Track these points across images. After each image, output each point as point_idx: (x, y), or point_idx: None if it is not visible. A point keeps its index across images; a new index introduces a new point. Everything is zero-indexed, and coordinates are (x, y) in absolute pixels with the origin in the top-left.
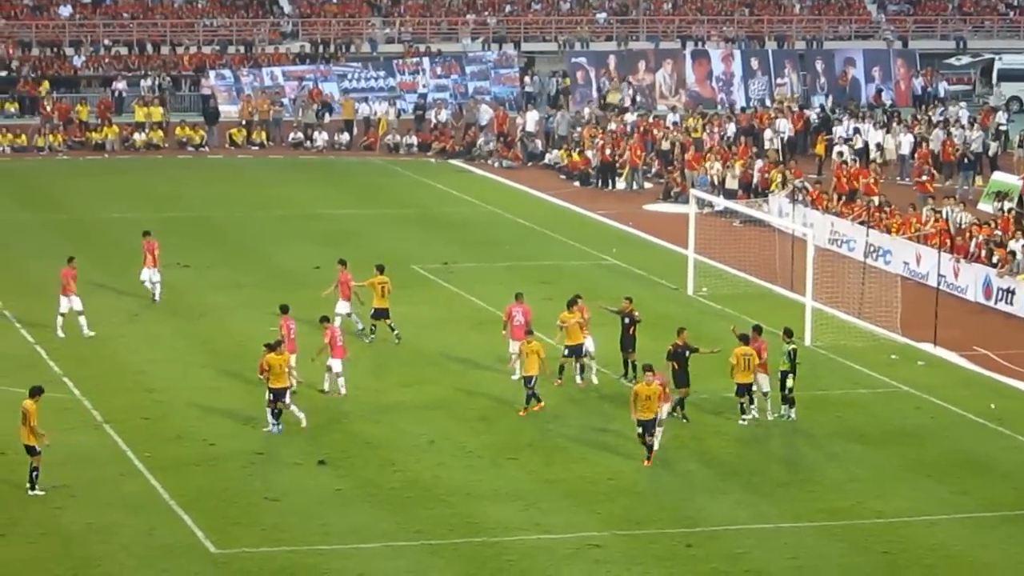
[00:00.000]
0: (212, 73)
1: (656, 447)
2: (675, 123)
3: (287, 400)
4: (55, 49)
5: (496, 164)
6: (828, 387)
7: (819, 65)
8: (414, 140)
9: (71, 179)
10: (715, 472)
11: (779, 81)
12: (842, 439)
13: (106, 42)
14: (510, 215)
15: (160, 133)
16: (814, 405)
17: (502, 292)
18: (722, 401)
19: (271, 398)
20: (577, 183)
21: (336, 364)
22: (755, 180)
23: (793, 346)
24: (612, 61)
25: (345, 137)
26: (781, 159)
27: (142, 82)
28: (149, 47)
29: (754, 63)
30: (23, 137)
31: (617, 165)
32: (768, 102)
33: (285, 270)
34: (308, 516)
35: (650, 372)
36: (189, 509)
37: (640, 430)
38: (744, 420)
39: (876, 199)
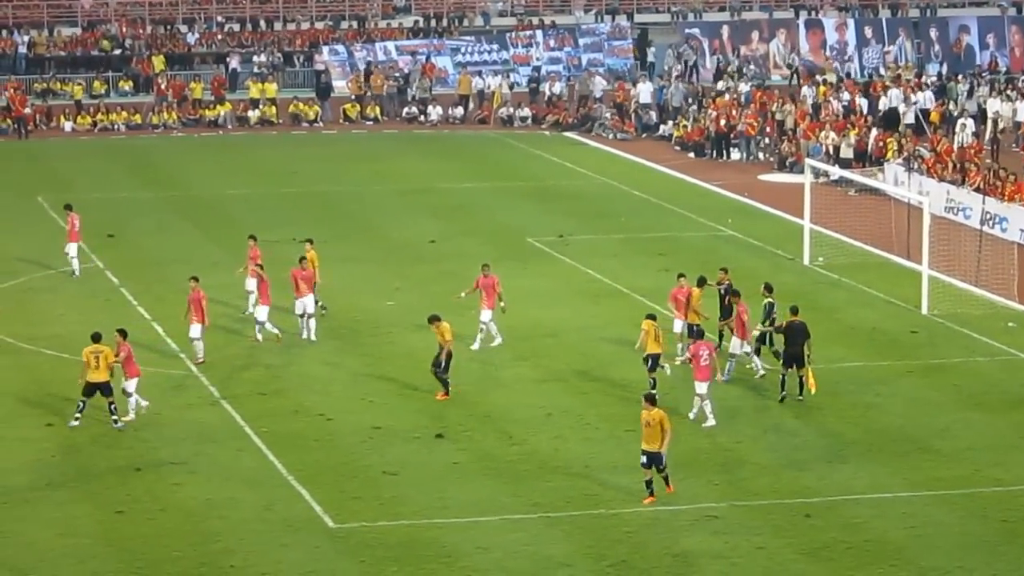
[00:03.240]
0: (325, 48)
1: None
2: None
3: (130, 391)
4: (169, 26)
5: (610, 136)
6: (945, 356)
7: (933, 33)
8: (528, 113)
9: (186, 156)
10: (832, 442)
11: (886, 49)
12: (960, 407)
13: (219, 19)
14: (625, 187)
15: (274, 109)
16: (931, 374)
17: (618, 264)
18: (837, 371)
19: (86, 391)
20: (692, 154)
21: (261, 312)
22: (870, 149)
23: (770, 300)
24: (725, 31)
25: (459, 111)
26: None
27: (255, 58)
28: (262, 23)
29: (868, 31)
30: (138, 115)
31: (731, 136)
32: (882, 71)
33: (401, 244)
34: (426, 490)
35: (649, 401)
36: (307, 484)
37: (644, 460)
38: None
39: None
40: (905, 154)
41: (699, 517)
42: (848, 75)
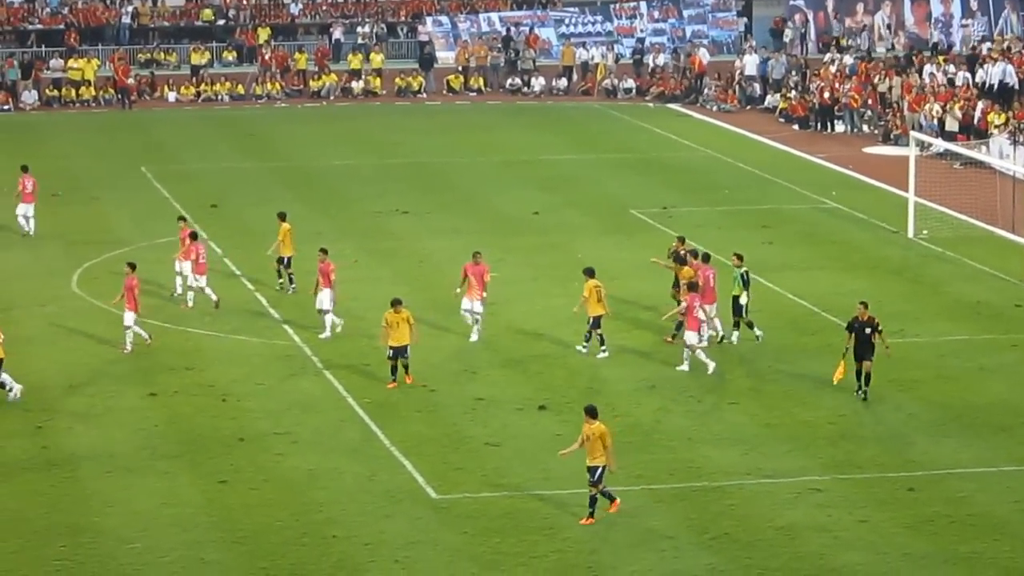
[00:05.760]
0: (429, 19)
1: (597, 501)
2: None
3: None
4: None
5: (714, 108)
6: None
7: None
8: (632, 84)
9: (289, 127)
10: (936, 415)
11: (963, 22)
12: None
13: None
14: (729, 159)
15: (378, 80)
16: None
17: (721, 237)
18: (941, 344)
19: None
20: (796, 126)
21: (202, 280)
22: (976, 121)
23: (744, 269)
24: (830, 3)
25: (563, 82)
26: None
27: (359, 29)
28: None
29: (973, 3)
30: (241, 86)
31: (836, 108)
32: (988, 43)
33: (504, 216)
34: (529, 461)
35: (590, 414)
36: (410, 455)
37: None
38: (582, 349)
39: None
40: (1011, 127)
41: (802, 490)
42: (951, 47)
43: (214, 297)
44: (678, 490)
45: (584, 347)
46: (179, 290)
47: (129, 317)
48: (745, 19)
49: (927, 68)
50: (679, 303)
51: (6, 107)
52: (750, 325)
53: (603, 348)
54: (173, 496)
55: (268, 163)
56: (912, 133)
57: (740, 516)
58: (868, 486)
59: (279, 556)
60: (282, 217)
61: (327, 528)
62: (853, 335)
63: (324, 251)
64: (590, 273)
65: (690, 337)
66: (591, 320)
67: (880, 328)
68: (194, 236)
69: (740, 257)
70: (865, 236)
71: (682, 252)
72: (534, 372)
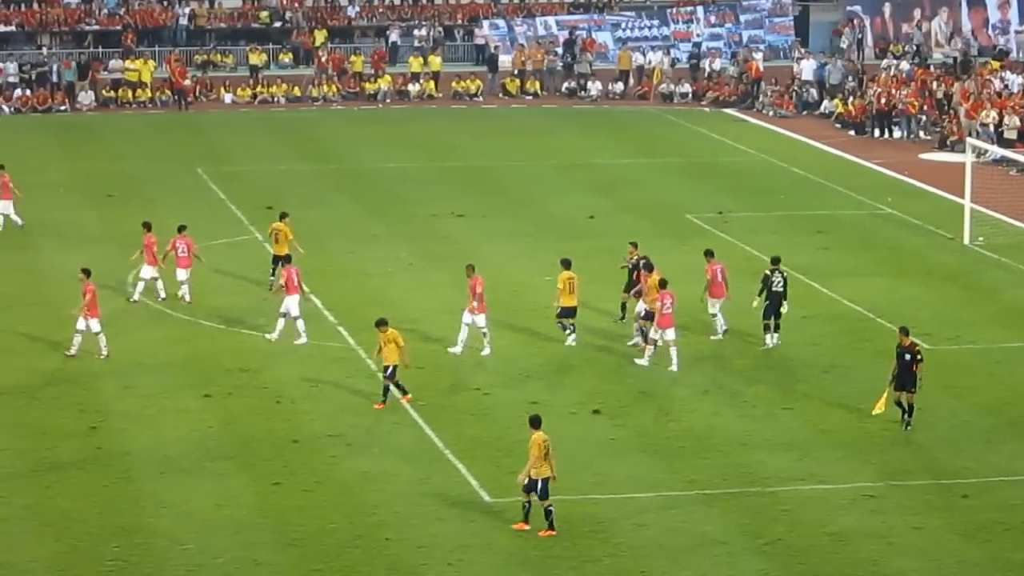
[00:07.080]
0: (486, 23)
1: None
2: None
3: None
4: None
5: (770, 113)
6: None
7: None
8: (688, 89)
9: (345, 129)
10: (991, 422)
11: (1019, 27)
12: None
13: None
14: (784, 164)
15: (432, 83)
16: None
17: (777, 242)
18: (996, 351)
19: None
20: (852, 132)
21: (182, 273)
22: None
23: (766, 272)
24: (887, 9)
25: (619, 86)
26: None
27: (416, 32)
28: None
29: None
30: (297, 88)
31: (892, 114)
32: None
33: (559, 219)
34: (582, 465)
35: (531, 424)
36: (463, 458)
37: (525, 483)
38: (571, 342)
39: None
40: None
41: (856, 496)
42: (1008, 53)
43: (188, 299)
44: (731, 495)
45: (573, 338)
46: (136, 296)
47: (92, 323)
48: (793, 23)
49: (1010, 76)
50: (623, 306)
51: (63, 107)
52: (766, 328)
53: (570, 334)
54: (227, 497)
55: (324, 165)
56: (968, 139)
57: (793, 521)
58: (922, 493)
59: (333, 558)
60: (282, 216)
61: (380, 531)
62: (895, 362)
63: (287, 258)
64: (566, 264)
65: (669, 334)
66: (560, 310)
67: (920, 357)
68: (180, 229)
69: (774, 262)
70: (920, 242)
71: (635, 258)
72: (588, 376)
